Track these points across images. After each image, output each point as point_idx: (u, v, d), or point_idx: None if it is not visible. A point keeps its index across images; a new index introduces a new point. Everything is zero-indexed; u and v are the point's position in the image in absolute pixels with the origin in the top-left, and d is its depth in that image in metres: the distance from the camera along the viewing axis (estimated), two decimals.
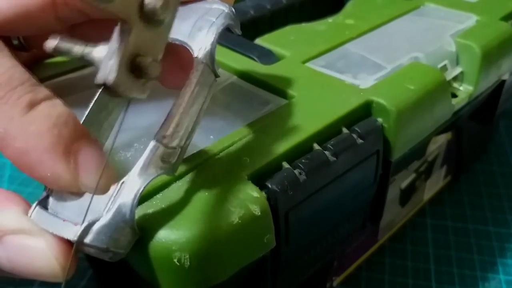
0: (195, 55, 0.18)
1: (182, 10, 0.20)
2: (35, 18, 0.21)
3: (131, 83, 0.16)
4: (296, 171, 0.20)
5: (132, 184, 0.17)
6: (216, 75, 0.19)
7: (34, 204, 0.17)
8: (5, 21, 0.20)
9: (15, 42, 0.23)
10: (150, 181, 0.17)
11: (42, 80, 0.25)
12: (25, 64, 0.19)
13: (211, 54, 0.18)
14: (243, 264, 0.19)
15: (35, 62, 0.28)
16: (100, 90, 0.15)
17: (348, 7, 0.35)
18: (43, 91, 0.18)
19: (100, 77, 0.15)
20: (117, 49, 0.15)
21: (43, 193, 0.18)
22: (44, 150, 0.17)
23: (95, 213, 0.17)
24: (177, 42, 0.19)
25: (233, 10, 0.19)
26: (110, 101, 0.19)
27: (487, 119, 0.34)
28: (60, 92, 0.20)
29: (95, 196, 0.17)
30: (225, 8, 0.19)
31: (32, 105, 0.17)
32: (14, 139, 0.17)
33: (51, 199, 0.18)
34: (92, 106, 0.19)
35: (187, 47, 0.19)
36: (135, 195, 0.16)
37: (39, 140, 0.17)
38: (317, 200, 0.22)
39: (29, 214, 0.17)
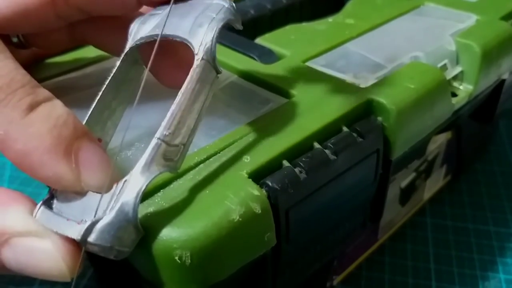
0: (195, 51, 0.18)
1: (182, 7, 0.20)
2: (35, 16, 0.21)
3: None
4: (297, 170, 0.20)
5: (134, 182, 0.16)
6: (218, 71, 0.19)
7: (39, 204, 0.18)
8: (5, 19, 0.20)
9: (15, 39, 0.23)
10: (153, 179, 0.17)
11: (43, 79, 0.25)
12: (24, 62, 0.19)
13: (212, 50, 0.18)
14: (244, 262, 0.19)
15: (35, 60, 0.28)
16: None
17: (348, 6, 0.35)
18: (43, 92, 0.18)
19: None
20: None
21: (47, 193, 0.18)
22: (45, 151, 0.17)
23: (95, 211, 0.17)
24: (177, 39, 0.19)
25: (234, 5, 0.19)
26: (113, 99, 0.20)
27: (487, 118, 0.34)
28: (60, 92, 0.20)
29: (99, 195, 0.17)
30: (225, 3, 0.19)
31: (32, 107, 0.17)
32: (15, 141, 0.17)
33: (55, 199, 0.18)
34: (95, 106, 0.19)
35: (188, 44, 0.19)
36: (138, 194, 0.16)
37: (39, 141, 0.17)
38: (317, 199, 0.22)
39: (34, 214, 0.17)
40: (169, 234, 0.17)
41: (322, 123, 0.22)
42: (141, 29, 0.20)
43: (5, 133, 0.17)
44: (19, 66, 0.18)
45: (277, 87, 0.25)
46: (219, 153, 0.21)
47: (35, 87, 0.18)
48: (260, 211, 0.18)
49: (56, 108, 0.18)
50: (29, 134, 0.17)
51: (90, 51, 0.28)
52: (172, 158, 0.18)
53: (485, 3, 0.34)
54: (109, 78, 0.20)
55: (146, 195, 0.18)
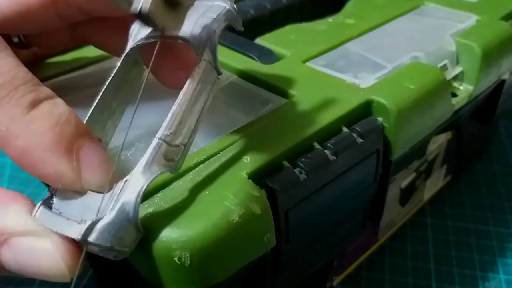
0: (197, 52, 0.18)
1: None
2: (36, 16, 0.21)
3: (165, 13, 0.16)
4: (296, 170, 0.21)
5: (135, 182, 0.16)
6: (219, 72, 0.19)
7: (39, 204, 0.18)
8: (6, 19, 0.20)
9: (15, 39, 0.23)
10: (153, 179, 0.17)
11: (43, 79, 0.25)
12: (25, 62, 0.19)
13: (213, 51, 0.18)
14: (243, 263, 0.19)
15: (35, 60, 0.28)
16: (134, 22, 0.16)
17: (348, 6, 0.35)
18: (45, 90, 0.18)
19: (135, 7, 0.15)
20: None
21: (47, 193, 0.18)
22: (46, 148, 0.17)
23: (98, 211, 0.17)
24: (179, 40, 0.19)
25: (235, 6, 0.19)
26: (113, 100, 0.20)
27: (487, 119, 0.34)
28: (61, 92, 0.20)
29: (99, 195, 0.17)
30: (226, 5, 0.19)
31: (34, 104, 0.17)
32: (16, 137, 0.17)
33: (55, 199, 0.18)
34: (95, 106, 0.19)
35: (189, 45, 0.19)
36: (138, 193, 0.16)
37: (41, 138, 0.17)
38: (317, 199, 0.22)
39: (33, 214, 0.17)
40: (168, 235, 0.17)
41: (322, 124, 0.22)
42: (141, 30, 0.20)
43: (6, 129, 0.17)
44: (21, 64, 0.18)
45: (277, 87, 0.25)
46: (218, 153, 0.21)
47: (37, 85, 0.18)
48: (260, 212, 0.18)
49: (58, 106, 0.18)
50: (30, 131, 0.17)
51: (90, 51, 0.28)
52: (173, 158, 0.18)
53: (485, 3, 0.34)
54: (110, 78, 0.20)
55: (146, 195, 0.18)
